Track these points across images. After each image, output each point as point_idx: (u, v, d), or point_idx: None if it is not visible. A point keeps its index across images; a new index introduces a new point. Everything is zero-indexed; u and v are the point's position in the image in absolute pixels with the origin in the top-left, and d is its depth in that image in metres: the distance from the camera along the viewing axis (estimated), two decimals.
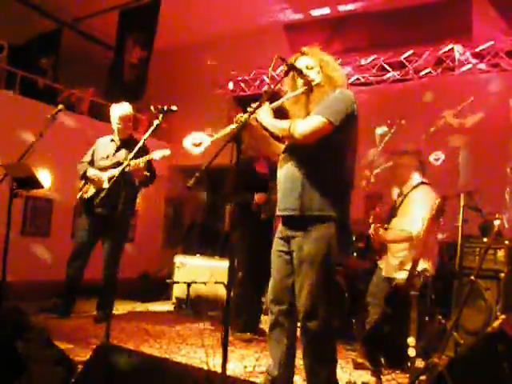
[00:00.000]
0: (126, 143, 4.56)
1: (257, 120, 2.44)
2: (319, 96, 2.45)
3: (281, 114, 2.51)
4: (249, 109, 2.34)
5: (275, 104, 2.46)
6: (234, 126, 2.36)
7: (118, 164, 4.37)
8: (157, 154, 4.14)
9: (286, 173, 2.49)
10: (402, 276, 3.51)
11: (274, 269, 2.59)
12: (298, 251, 2.42)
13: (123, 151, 4.52)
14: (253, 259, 4.31)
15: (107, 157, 4.55)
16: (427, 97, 5.97)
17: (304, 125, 2.38)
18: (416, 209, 3.56)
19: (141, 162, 4.09)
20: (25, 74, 6.72)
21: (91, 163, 4.60)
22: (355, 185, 2.58)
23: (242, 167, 4.19)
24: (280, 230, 2.58)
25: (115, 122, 4.55)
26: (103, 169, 4.47)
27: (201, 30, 7.22)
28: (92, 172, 4.50)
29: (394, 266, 3.65)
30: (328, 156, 2.41)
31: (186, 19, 7.07)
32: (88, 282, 4.59)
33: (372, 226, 3.70)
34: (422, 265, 3.45)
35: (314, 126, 2.35)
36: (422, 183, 3.74)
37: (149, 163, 4.30)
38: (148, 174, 4.33)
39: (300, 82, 2.49)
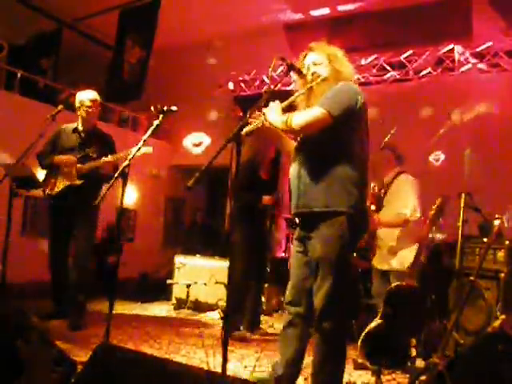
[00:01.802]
0: (92, 135, 4.28)
1: (268, 121, 2.45)
2: (325, 89, 2.42)
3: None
4: (264, 110, 2.39)
5: (285, 103, 2.46)
6: (256, 123, 2.39)
7: (85, 158, 4.12)
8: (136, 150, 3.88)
9: (295, 170, 2.48)
10: (394, 265, 3.58)
11: (292, 270, 2.57)
12: (313, 252, 2.39)
13: (91, 146, 4.19)
14: (252, 259, 4.31)
15: (72, 149, 4.20)
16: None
17: (301, 116, 2.36)
18: (404, 194, 3.69)
19: (112, 158, 3.98)
20: (25, 74, 6.72)
21: (51, 153, 4.21)
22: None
23: (249, 170, 4.28)
24: (297, 230, 2.57)
25: (86, 106, 4.22)
26: None
27: (201, 30, 7.22)
28: (63, 160, 4.12)
29: (386, 254, 3.73)
30: (335, 151, 2.37)
31: (186, 19, 7.07)
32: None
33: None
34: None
35: (311, 116, 2.32)
36: (401, 172, 3.85)
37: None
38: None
39: (309, 78, 2.48)
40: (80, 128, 4.29)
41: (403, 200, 3.67)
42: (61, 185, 4.14)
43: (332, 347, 2.39)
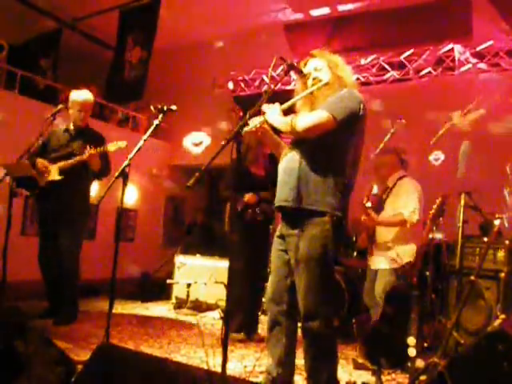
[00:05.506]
0: (81, 133, 4.31)
1: (267, 122, 2.45)
2: (327, 93, 2.46)
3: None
4: (263, 108, 2.40)
5: (286, 105, 2.47)
6: (255, 123, 2.39)
7: (70, 155, 4.14)
8: (111, 146, 3.98)
9: (286, 166, 2.51)
10: (385, 266, 3.60)
11: (272, 268, 2.60)
12: (295, 251, 2.41)
13: (77, 142, 4.24)
14: (251, 259, 4.29)
15: (59, 148, 4.26)
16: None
17: (306, 118, 2.40)
18: (405, 196, 3.71)
19: (96, 151, 3.99)
20: (25, 74, 6.72)
21: (41, 154, 4.26)
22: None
23: (237, 169, 4.19)
24: (279, 227, 2.59)
25: (76, 110, 4.29)
26: (54, 160, 4.18)
27: (201, 30, 7.22)
28: (40, 162, 4.16)
29: (381, 253, 3.75)
30: (328, 152, 2.41)
31: (186, 19, 7.07)
32: (86, 282, 4.56)
33: (366, 205, 3.76)
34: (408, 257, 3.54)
35: (316, 119, 2.36)
36: (404, 176, 3.88)
37: (103, 155, 4.11)
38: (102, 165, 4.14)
39: (310, 82, 2.52)
40: (71, 127, 4.35)
41: (403, 201, 3.69)
42: (42, 181, 4.17)
43: (321, 348, 2.39)
